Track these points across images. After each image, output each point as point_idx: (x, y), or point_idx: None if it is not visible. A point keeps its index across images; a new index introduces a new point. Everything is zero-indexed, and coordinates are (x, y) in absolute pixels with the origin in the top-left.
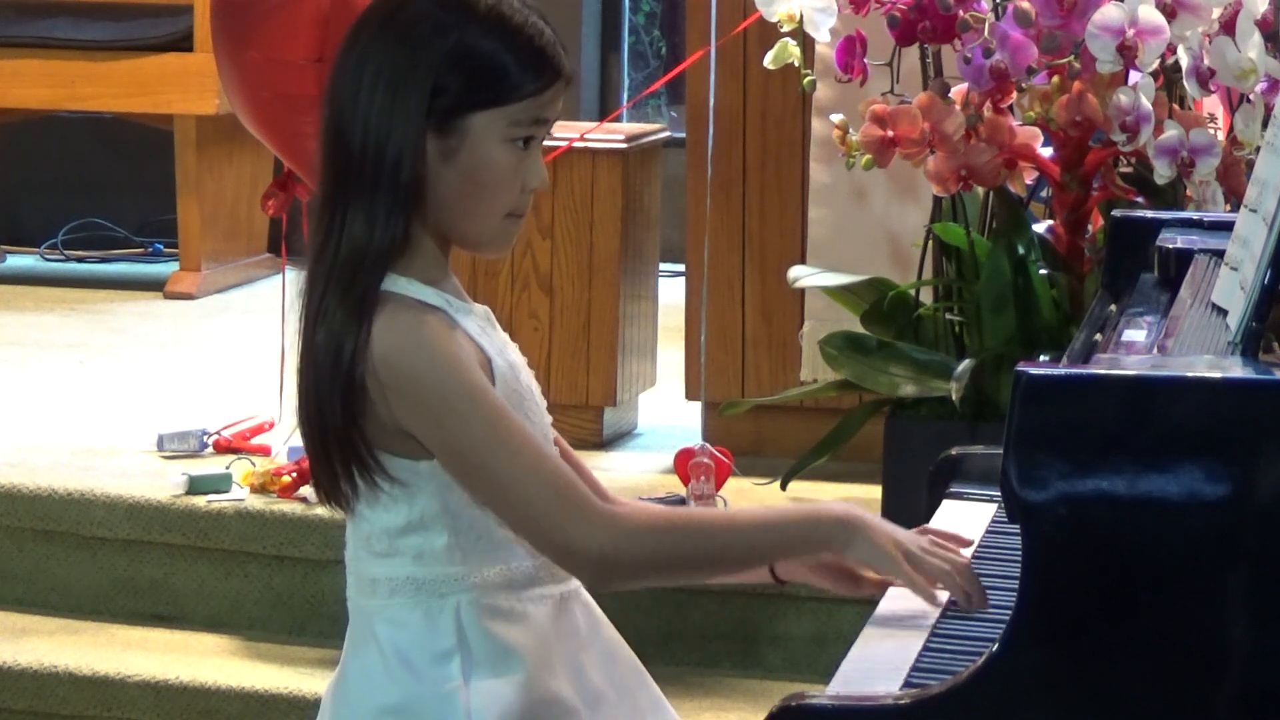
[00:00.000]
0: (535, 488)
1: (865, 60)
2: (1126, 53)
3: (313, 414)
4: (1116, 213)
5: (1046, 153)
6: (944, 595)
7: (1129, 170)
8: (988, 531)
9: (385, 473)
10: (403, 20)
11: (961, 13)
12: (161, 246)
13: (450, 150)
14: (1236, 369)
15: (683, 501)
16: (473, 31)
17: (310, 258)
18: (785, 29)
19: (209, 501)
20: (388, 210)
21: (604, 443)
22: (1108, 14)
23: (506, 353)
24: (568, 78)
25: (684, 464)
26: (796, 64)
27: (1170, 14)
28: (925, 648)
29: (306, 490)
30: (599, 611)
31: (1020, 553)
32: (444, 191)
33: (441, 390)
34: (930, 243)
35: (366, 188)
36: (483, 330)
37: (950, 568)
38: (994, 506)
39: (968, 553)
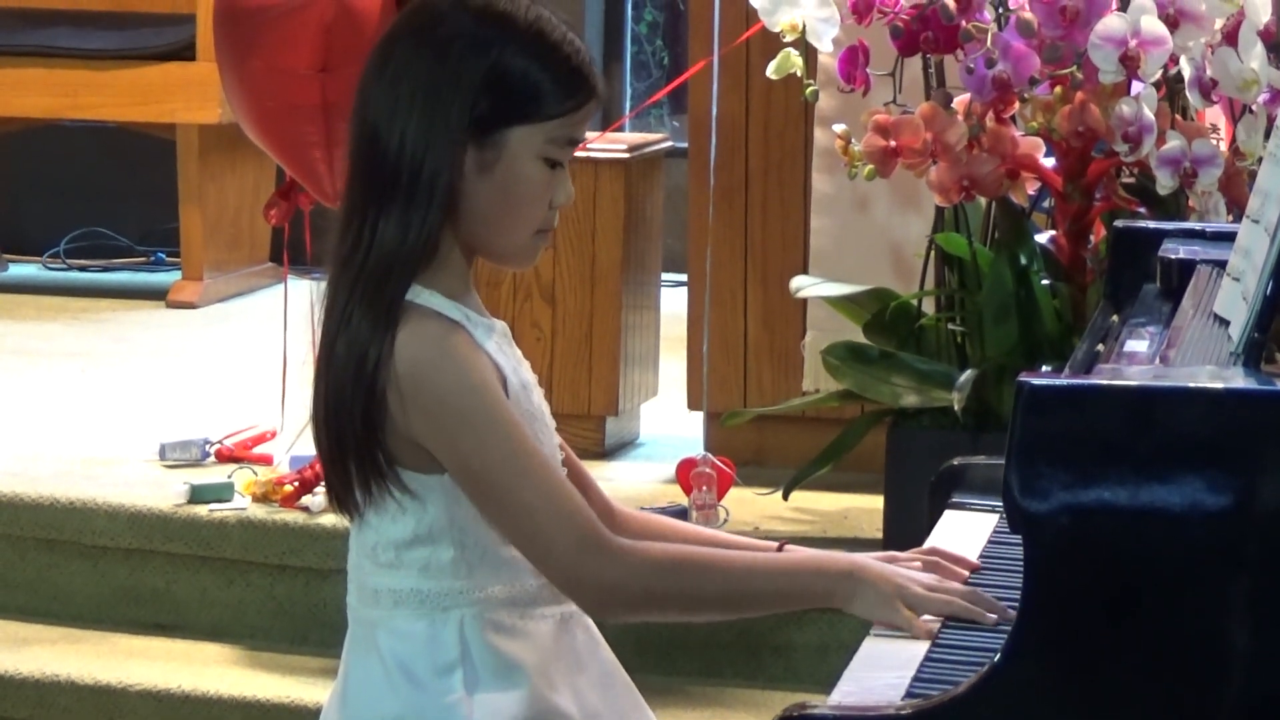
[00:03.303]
0: (547, 515)
1: (868, 70)
2: (1129, 63)
3: (331, 421)
4: (1119, 223)
5: (1049, 163)
6: (933, 627)
7: (1131, 181)
8: (990, 542)
9: (400, 483)
10: (442, 36)
11: (964, 23)
12: (164, 255)
13: (488, 163)
14: (1238, 380)
15: (685, 511)
16: (511, 49)
17: (335, 265)
18: (788, 39)
19: (211, 511)
20: (422, 219)
21: (606, 452)
22: (1110, 24)
23: (520, 372)
24: (600, 96)
25: (686, 474)
26: (799, 74)
27: (1173, 24)
28: (927, 658)
29: (308, 499)
30: (598, 634)
31: (1022, 563)
32: (478, 204)
33: (462, 408)
34: (932, 253)
35: (401, 197)
36: (499, 348)
37: (952, 598)
38: (996, 517)
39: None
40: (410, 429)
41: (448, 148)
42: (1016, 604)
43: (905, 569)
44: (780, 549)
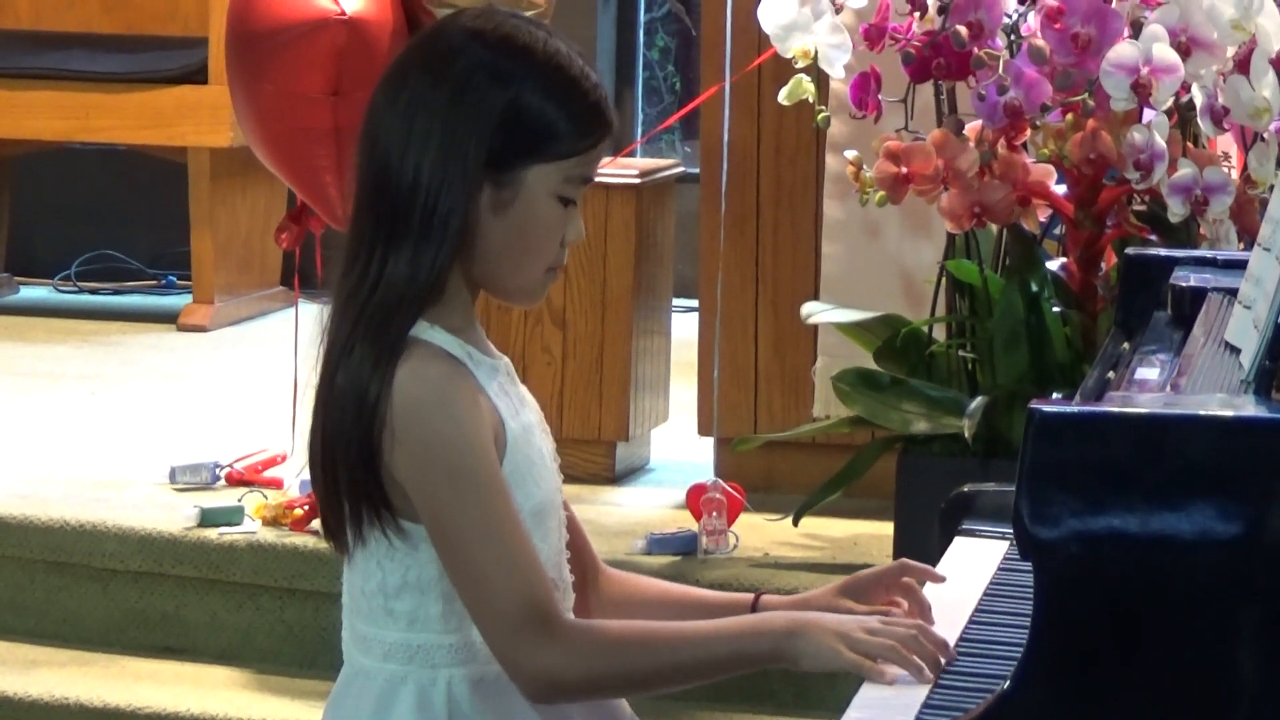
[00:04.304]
0: (504, 588)
1: (880, 96)
2: (1141, 90)
3: (327, 455)
4: (1130, 251)
5: (1060, 190)
6: (894, 670)
7: (1143, 208)
8: (999, 569)
9: (395, 525)
10: (460, 69)
11: (976, 49)
12: (175, 279)
13: (503, 202)
14: (1249, 408)
15: (694, 537)
16: (530, 85)
17: (340, 295)
18: (800, 65)
19: (221, 534)
20: (432, 258)
21: (616, 478)
22: (1122, 52)
23: (521, 414)
24: (614, 131)
25: (696, 499)
26: (811, 100)
27: (1185, 52)
28: (937, 684)
29: (318, 523)
30: None
31: (1032, 590)
32: (491, 243)
33: (448, 460)
34: (943, 279)
35: (413, 232)
36: (502, 388)
37: (894, 642)
38: (1006, 544)
39: (952, 614)
40: (395, 469)
41: (463, 186)
42: (1026, 630)
43: (848, 618)
44: (756, 601)
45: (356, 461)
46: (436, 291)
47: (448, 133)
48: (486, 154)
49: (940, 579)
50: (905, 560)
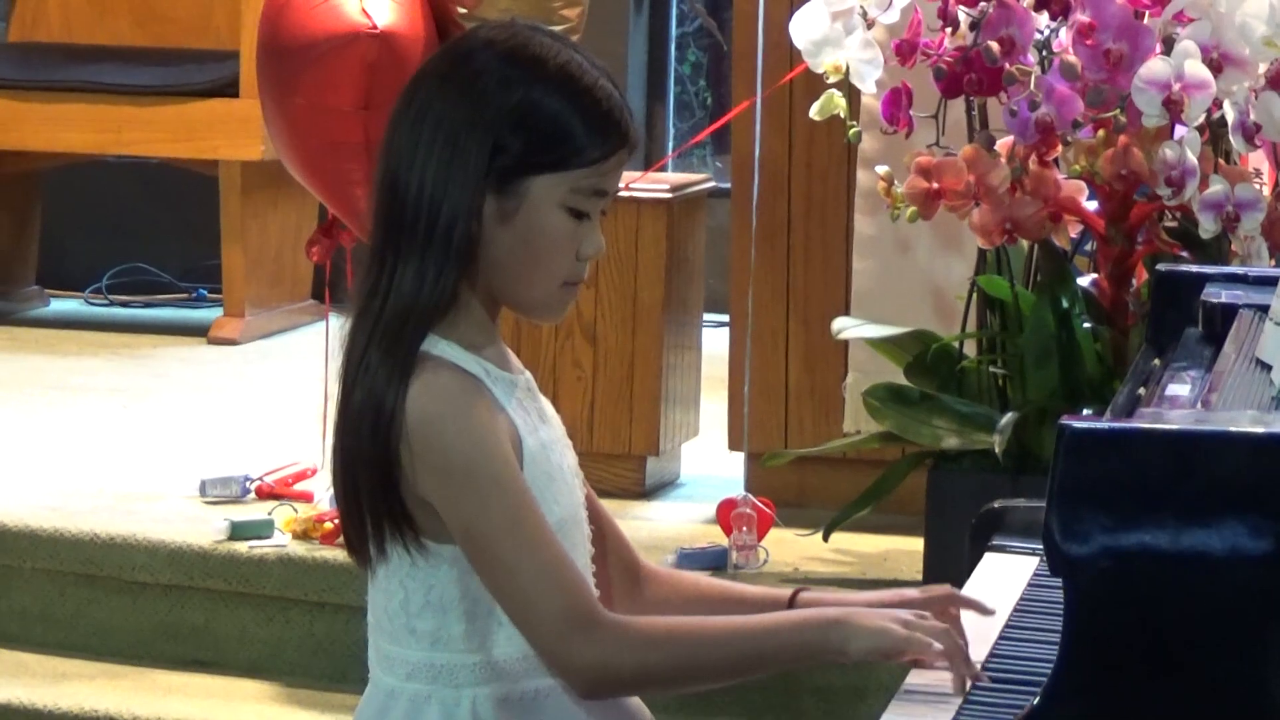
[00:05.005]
0: (543, 589)
1: (911, 112)
2: (1172, 107)
3: (347, 471)
4: (1161, 267)
5: (1091, 206)
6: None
7: (1174, 224)
8: (1029, 585)
9: (418, 542)
10: (467, 73)
11: (1008, 65)
12: (205, 292)
13: (508, 212)
14: None
15: (724, 552)
16: (539, 90)
17: (355, 309)
18: (831, 80)
19: (251, 547)
20: (438, 269)
21: (646, 492)
22: (1154, 68)
23: (540, 431)
24: (632, 145)
25: (726, 514)
26: (842, 115)
27: (1216, 69)
28: (967, 701)
29: None
30: None
31: (1062, 606)
32: (498, 254)
33: (469, 467)
34: (974, 295)
35: (418, 244)
36: (520, 404)
37: (935, 642)
38: (1036, 560)
39: (982, 630)
40: (419, 485)
41: (466, 193)
42: (1056, 646)
43: (900, 610)
44: (794, 597)
45: (376, 476)
46: (445, 304)
47: (450, 139)
48: (489, 161)
49: (989, 612)
50: (952, 590)
